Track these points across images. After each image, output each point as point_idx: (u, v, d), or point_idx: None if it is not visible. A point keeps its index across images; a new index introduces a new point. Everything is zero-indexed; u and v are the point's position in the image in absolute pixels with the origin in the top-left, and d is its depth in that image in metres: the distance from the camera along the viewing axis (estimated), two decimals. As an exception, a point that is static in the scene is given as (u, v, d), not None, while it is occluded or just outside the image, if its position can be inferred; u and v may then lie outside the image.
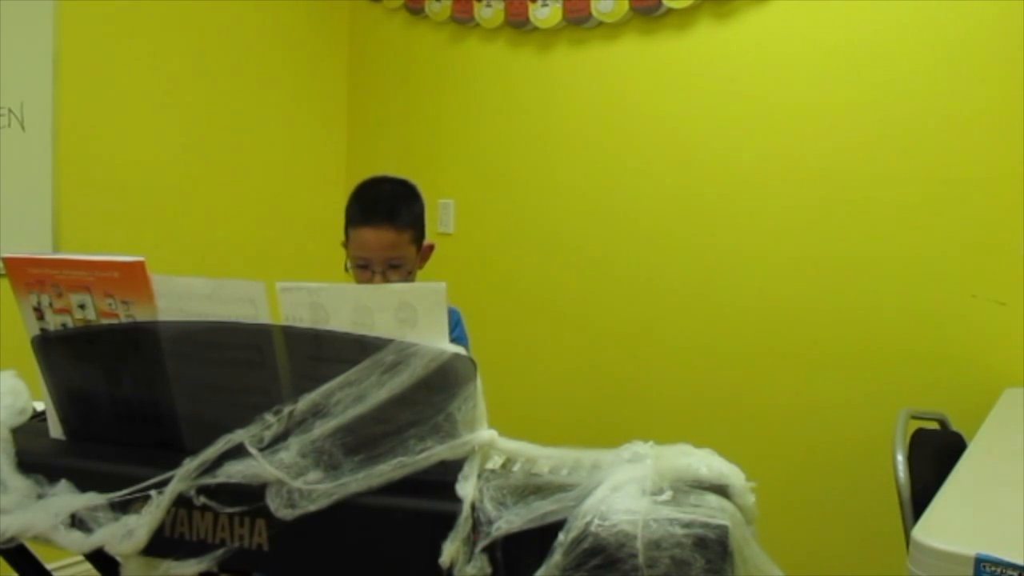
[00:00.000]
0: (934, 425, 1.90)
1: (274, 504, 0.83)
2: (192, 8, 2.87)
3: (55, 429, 1.02)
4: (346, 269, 1.64)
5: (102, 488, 0.89)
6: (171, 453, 0.89)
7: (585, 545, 0.75)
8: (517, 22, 2.87)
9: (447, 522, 0.79)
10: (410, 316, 0.86)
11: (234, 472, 0.85)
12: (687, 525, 0.74)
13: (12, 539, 0.90)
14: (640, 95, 2.68)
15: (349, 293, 0.90)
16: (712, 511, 0.76)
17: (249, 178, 3.08)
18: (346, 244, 1.65)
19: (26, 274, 0.98)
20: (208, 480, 0.86)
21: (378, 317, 0.87)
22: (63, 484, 0.91)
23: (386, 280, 1.58)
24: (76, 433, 1.02)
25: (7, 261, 0.99)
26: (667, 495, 0.78)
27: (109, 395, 0.98)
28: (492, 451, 0.87)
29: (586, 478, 0.81)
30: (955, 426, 1.88)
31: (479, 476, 0.83)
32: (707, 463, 0.82)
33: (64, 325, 0.98)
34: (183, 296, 0.93)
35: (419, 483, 0.83)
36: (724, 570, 0.74)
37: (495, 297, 2.97)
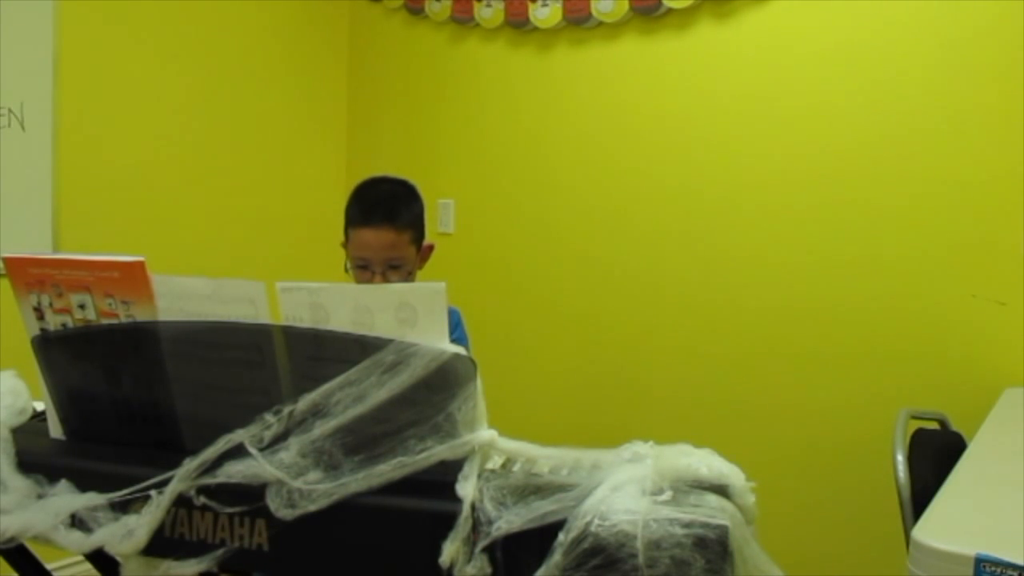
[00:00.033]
0: (934, 425, 1.90)
1: (274, 504, 0.83)
2: (192, 8, 2.87)
3: (55, 429, 1.02)
4: (346, 270, 1.64)
5: (102, 488, 0.89)
6: (171, 453, 0.89)
7: (585, 545, 0.75)
8: (517, 22, 2.87)
9: (447, 522, 0.79)
10: (410, 316, 0.86)
11: (234, 472, 0.85)
12: (687, 525, 0.74)
13: (12, 539, 0.90)
14: (640, 95, 2.68)
15: (349, 293, 0.90)
16: (712, 511, 0.76)
17: (249, 178, 3.08)
18: (346, 245, 1.65)
19: (26, 274, 0.98)
20: (208, 480, 0.86)
21: (378, 317, 0.87)
22: (63, 484, 0.91)
23: (386, 280, 1.58)
24: (76, 433, 1.02)
25: (7, 261, 0.99)
26: (667, 495, 0.78)
27: (109, 395, 0.98)
28: (492, 451, 0.87)
29: (586, 478, 0.81)
30: (955, 426, 1.88)
31: (479, 476, 0.83)
32: (707, 463, 0.82)
33: (64, 325, 0.98)
34: (183, 296, 0.93)
35: (419, 483, 0.83)
36: (724, 570, 0.74)
37: (495, 297, 2.97)
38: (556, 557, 0.75)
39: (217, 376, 0.93)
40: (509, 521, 0.78)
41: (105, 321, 0.96)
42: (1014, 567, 0.86)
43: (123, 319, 0.95)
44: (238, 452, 0.86)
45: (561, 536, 0.76)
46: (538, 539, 0.77)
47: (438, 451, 0.83)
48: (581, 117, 2.80)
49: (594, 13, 2.70)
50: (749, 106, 2.47)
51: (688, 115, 2.59)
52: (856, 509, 2.28)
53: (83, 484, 0.90)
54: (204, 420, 0.92)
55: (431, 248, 1.69)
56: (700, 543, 0.74)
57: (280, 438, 0.86)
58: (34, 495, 0.91)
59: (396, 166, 3.10)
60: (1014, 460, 1.40)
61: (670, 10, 2.58)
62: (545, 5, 2.79)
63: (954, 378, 2.16)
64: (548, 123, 2.87)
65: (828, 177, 2.35)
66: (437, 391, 0.84)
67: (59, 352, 1.00)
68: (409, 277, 1.62)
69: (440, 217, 3.08)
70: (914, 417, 1.82)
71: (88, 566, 1.14)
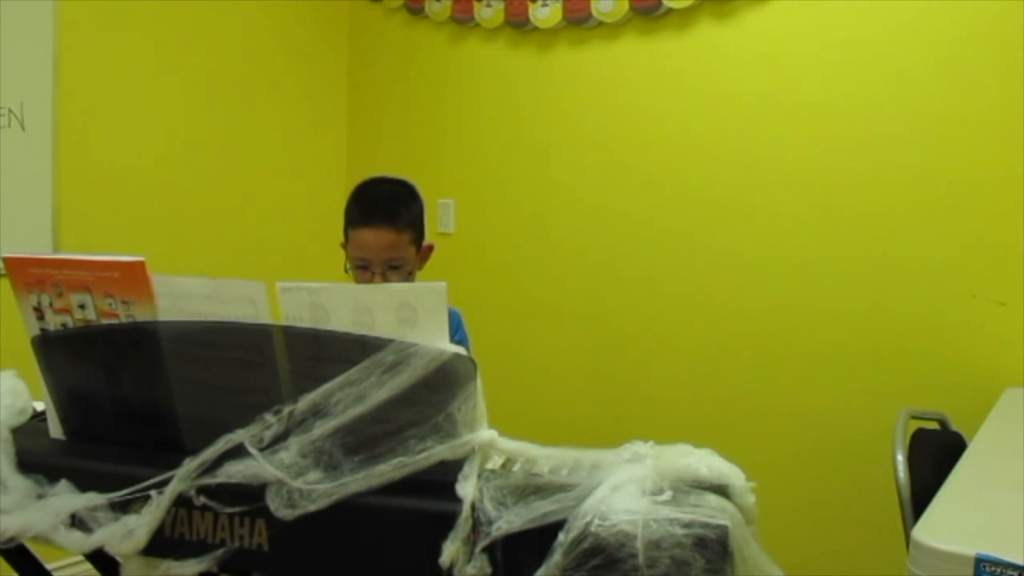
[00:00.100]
0: (934, 425, 1.90)
1: (274, 504, 0.83)
2: (192, 8, 2.87)
3: (55, 429, 1.02)
4: (346, 270, 1.64)
5: (102, 488, 0.89)
6: (171, 453, 0.89)
7: (585, 545, 0.75)
8: (517, 22, 2.87)
9: (447, 522, 0.79)
10: (410, 316, 0.86)
11: (234, 472, 0.85)
12: (687, 525, 0.74)
13: (12, 539, 0.90)
14: (640, 95, 2.68)
15: (349, 293, 0.90)
16: (712, 511, 0.76)
17: (249, 178, 3.08)
18: (345, 245, 1.65)
19: (26, 274, 0.98)
20: (208, 480, 0.86)
21: (378, 317, 0.87)
22: (63, 484, 0.91)
23: (386, 280, 1.57)
24: (76, 433, 1.02)
25: (7, 261, 0.99)
26: (667, 495, 0.78)
27: (109, 395, 0.98)
28: (492, 451, 0.87)
29: (586, 478, 0.81)
30: (955, 426, 1.88)
31: (479, 476, 0.83)
32: (707, 463, 0.82)
33: (64, 325, 0.98)
34: (183, 296, 0.93)
35: (419, 483, 0.83)
36: (724, 570, 0.74)
37: (495, 297, 2.97)
38: (556, 557, 0.75)
39: (217, 376, 0.93)
40: (509, 521, 0.78)
41: (105, 321, 0.96)
42: (1014, 567, 0.86)
43: (123, 319, 0.95)
44: (238, 452, 0.86)
45: (561, 536, 0.76)
46: (538, 539, 0.77)
47: (438, 451, 0.83)
48: (581, 117, 2.80)
49: (594, 13, 2.70)
50: (749, 106, 2.47)
51: (688, 115, 2.59)
52: (856, 509, 2.28)
53: (83, 484, 0.90)
54: (204, 420, 0.92)
55: (431, 248, 1.69)
56: (700, 543, 0.74)
57: (280, 438, 0.86)
58: (34, 495, 0.91)
59: (396, 166, 3.11)
60: (1014, 460, 1.40)
61: (670, 10, 2.58)
62: (545, 5, 2.79)
63: (954, 378, 2.16)
64: (548, 123, 2.87)
65: (828, 177, 2.35)
66: (437, 391, 0.84)
67: (59, 352, 0.99)
68: (409, 277, 1.62)
69: (440, 217, 3.08)
70: (914, 417, 1.82)
71: (88, 566, 1.14)
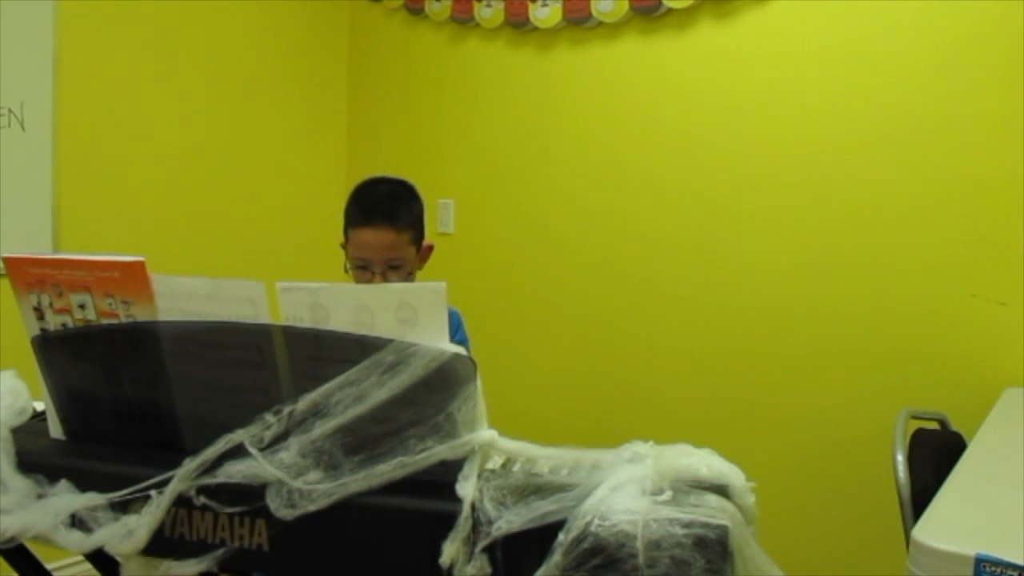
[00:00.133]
0: (934, 425, 1.90)
1: (274, 504, 0.83)
2: (192, 8, 2.87)
3: (55, 429, 1.02)
4: (346, 270, 1.64)
5: (102, 488, 0.89)
6: (171, 453, 0.89)
7: (585, 545, 0.75)
8: (517, 22, 2.87)
9: (447, 522, 0.79)
10: (410, 316, 0.86)
11: (234, 472, 0.85)
12: (687, 525, 0.74)
13: (12, 539, 0.90)
14: (640, 95, 2.68)
15: (349, 293, 0.90)
16: (712, 511, 0.76)
17: (249, 178, 3.08)
18: (345, 245, 1.65)
19: (26, 274, 0.98)
20: (208, 480, 0.86)
21: (378, 317, 0.87)
22: (63, 484, 0.91)
23: (385, 281, 1.57)
24: (76, 433, 1.02)
25: (7, 261, 0.99)
26: (667, 495, 0.78)
27: (109, 395, 0.98)
28: (492, 451, 0.87)
29: (586, 478, 0.81)
30: (955, 426, 1.89)
31: (479, 476, 0.83)
32: (707, 463, 0.82)
33: (64, 325, 0.98)
34: (183, 296, 0.93)
35: (419, 483, 0.83)
36: (724, 570, 0.74)
37: (495, 297, 2.97)
38: (556, 557, 0.75)
39: (217, 376, 0.93)
40: (509, 521, 0.78)
41: (105, 321, 0.96)
42: (1014, 567, 0.86)
43: (123, 319, 0.95)
44: (238, 452, 0.86)
45: (561, 536, 0.76)
46: (538, 539, 0.77)
47: (438, 451, 0.83)
48: (581, 117, 2.80)
49: (594, 13, 2.70)
50: (749, 106, 2.47)
51: (688, 115, 2.59)
52: (856, 509, 2.28)
53: (83, 484, 0.90)
54: (204, 420, 0.92)
55: (431, 248, 1.69)
56: (700, 543, 0.74)
57: (280, 438, 0.86)
58: (34, 495, 0.91)
59: (396, 166, 3.10)
60: (1014, 460, 1.40)
61: (670, 10, 2.58)
62: (545, 5, 2.79)
63: (954, 378, 2.16)
64: (548, 123, 2.87)
65: (828, 177, 2.35)
66: (437, 391, 0.84)
67: (59, 352, 0.99)
68: (409, 277, 1.62)
69: (440, 217, 3.08)
70: (914, 417, 1.82)
71: (88, 566, 1.14)
